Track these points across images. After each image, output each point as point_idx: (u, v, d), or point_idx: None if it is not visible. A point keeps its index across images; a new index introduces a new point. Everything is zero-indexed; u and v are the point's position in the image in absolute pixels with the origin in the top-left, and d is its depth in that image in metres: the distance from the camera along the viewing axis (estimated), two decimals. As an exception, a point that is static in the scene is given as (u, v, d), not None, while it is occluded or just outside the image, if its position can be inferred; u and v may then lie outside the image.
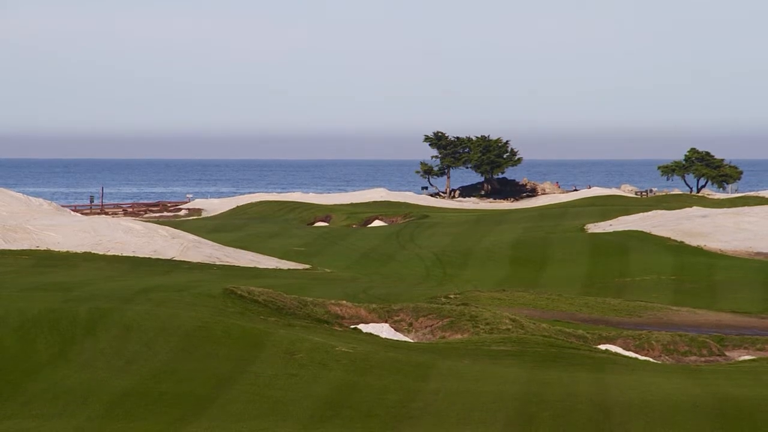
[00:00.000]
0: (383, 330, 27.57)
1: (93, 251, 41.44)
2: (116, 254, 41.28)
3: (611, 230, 56.71)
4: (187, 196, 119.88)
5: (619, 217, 63.28)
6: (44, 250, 41.05)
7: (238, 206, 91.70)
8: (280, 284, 33.71)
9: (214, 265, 41.72)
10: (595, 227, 59.44)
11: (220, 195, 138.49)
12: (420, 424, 16.29)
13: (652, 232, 54.07)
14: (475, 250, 52.61)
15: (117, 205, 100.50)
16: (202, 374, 18.74)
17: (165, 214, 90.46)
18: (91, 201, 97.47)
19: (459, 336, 26.96)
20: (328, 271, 45.20)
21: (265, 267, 43.64)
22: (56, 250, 41.37)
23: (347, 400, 17.45)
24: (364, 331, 26.06)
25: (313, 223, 78.43)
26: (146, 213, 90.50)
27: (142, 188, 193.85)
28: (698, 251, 49.73)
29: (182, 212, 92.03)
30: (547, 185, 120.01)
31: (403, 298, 33.38)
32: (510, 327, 27.27)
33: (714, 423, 16.23)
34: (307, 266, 46.09)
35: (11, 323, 20.73)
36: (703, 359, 27.09)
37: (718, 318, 34.83)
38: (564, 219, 66.07)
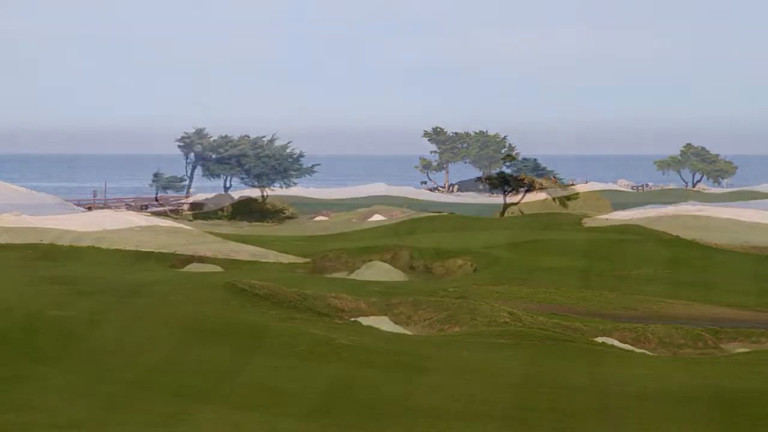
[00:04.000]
0: (383, 323, 27.72)
1: (96, 245, 41.61)
2: (119, 248, 41.45)
3: (608, 224, 56.90)
4: (190, 190, 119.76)
5: (616, 212, 63.46)
6: (48, 244, 41.21)
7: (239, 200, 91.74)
8: (281, 278, 33.88)
9: (216, 259, 41.90)
10: (592, 221, 59.65)
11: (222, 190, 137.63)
12: (419, 416, 16.42)
13: (648, 227, 54.24)
14: (473, 244, 52.72)
15: (120, 200, 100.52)
16: (203, 367, 18.93)
17: (168, 208, 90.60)
18: (95, 195, 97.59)
19: (457, 329, 27.12)
20: (329, 265, 45.35)
21: (266, 261, 43.80)
22: (60, 244, 41.49)
23: (347, 393, 17.59)
24: (364, 324, 26.20)
25: (314, 217, 78.61)
26: (149, 207, 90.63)
27: (145, 183, 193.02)
28: (694, 245, 49.88)
29: (185, 206, 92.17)
30: (544, 180, 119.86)
31: (403, 292, 33.54)
32: (508, 320, 27.46)
33: (710, 415, 16.34)
34: (308, 260, 46.25)
35: (15, 317, 20.91)
36: (698, 352, 27.25)
37: (713, 311, 35.01)
38: (561, 213, 66.20)
